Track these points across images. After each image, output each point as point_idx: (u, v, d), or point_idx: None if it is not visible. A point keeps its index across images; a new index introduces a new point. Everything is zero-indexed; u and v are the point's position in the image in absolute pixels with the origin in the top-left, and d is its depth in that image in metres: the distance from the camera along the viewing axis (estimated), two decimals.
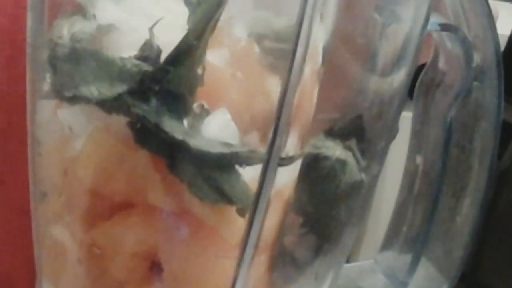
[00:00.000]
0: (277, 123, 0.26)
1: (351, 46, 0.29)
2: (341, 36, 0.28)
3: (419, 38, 0.31)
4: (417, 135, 0.38)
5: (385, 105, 0.30)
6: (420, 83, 0.38)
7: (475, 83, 0.36)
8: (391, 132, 0.30)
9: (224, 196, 0.26)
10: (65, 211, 0.27)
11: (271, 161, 0.26)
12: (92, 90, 0.25)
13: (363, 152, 0.29)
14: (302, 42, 0.25)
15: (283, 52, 0.27)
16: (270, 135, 0.26)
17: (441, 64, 0.37)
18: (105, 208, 0.27)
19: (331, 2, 0.27)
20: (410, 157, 0.38)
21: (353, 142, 0.29)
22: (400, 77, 0.30)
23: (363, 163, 0.29)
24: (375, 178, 0.30)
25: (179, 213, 0.26)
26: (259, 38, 0.28)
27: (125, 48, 0.27)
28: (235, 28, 0.28)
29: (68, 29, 0.27)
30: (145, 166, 0.26)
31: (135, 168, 0.26)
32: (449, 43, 0.36)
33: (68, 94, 0.26)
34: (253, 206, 0.26)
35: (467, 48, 0.35)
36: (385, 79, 0.30)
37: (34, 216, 0.29)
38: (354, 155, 0.29)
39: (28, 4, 0.28)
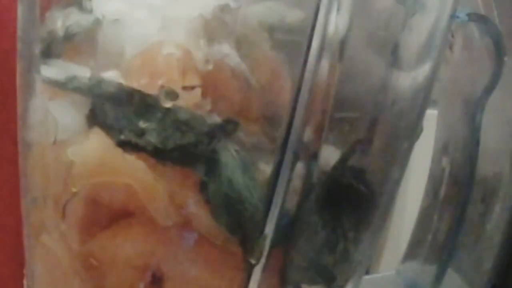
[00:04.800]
0: (290, 120, 0.25)
1: (371, 38, 0.29)
2: (360, 28, 0.28)
3: (446, 29, 0.30)
4: (443, 135, 0.37)
5: (408, 102, 0.29)
6: (451, 74, 0.37)
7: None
8: (415, 132, 0.30)
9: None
10: (60, 219, 0.27)
11: (286, 159, 0.25)
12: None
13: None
14: (317, 35, 0.25)
15: (296, 45, 0.27)
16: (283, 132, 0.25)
17: (470, 56, 0.36)
18: (103, 217, 0.26)
19: None
20: (436, 159, 0.37)
21: None
22: (425, 71, 0.29)
23: None
24: (397, 183, 0.29)
25: (182, 225, 0.26)
26: (270, 29, 0.28)
27: (127, 41, 0.27)
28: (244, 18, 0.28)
29: (62, 22, 0.27)
30: (146, 173, 0.25)
31: (136, 176, 0.25)
32: (478, 34, 0.35)
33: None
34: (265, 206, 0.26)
35: (498, 39, 0.35)
36: (409, 73, 0.29)
37: (26, 224, 0.28)
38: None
39: None
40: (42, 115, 0.27)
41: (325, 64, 0.25)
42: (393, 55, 0.29)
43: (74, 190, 0.26)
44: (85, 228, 0.26)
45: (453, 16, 0.31)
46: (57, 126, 0.27)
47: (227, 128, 0.26)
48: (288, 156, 0.26)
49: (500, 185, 0.36)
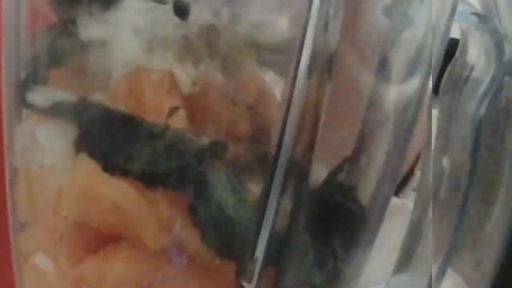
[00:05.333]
0: (280, 140, 0.25)
1: (360, 53, 0.28)
2: (349, 43, 0.27)
3: (446, 28, 0.30)
4: (443, 135, 0.37)
5: (398, 117, 0.29)
6: (446, 78, 0.36)
7: (507, 78, 0.35)
8: (406, 146, 0.29)
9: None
10: (49, 243, 0.27)
11: (275, 179, 0.25)
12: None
13: None
14: (306, 53, 0.25)
15: (284, 63, 0.27)
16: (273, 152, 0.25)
17: (470, 57, 0.35)
18: (92, 241, 0.27)
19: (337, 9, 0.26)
20: (436, 159, 0.37)
21: None
22: (414, 85, 0.29)
23: None
24: (387, 198, 0.29)
25: (172, 248, 0.26)
26: (257, 48, 0.27)
27: (113, 64, 0.27)
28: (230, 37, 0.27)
29: (48, 47, 0.27)
30: (135, 198, 0.26)
31: (125, 200, 0.26)
32: (478, 34, 0.34)
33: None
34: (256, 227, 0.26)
35: (498, 40, 0.34)
36: (398, 87, 0.29)
37: (14, 248, 0.29)
38: None
39: (2, 16, 0.27)
40: (29, 140, 0.27)
41: (314, 82, 0.25)
42: (382, 69, 0.29)
43: (64, 214, 0.27)
44: (75, 252, 0.27)
45: (453, 15, 0.30)
46: (44, 151, 0.27)
47: (216, 151, 0.26)
48: (278, 176, 0.26)
49: (500, 185, 0.36)
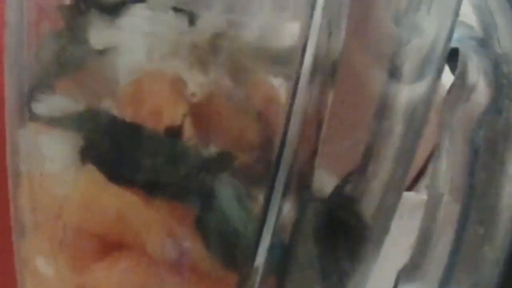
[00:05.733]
0: (281, 148, 0.25)
1: (368, 57, 0.29)
2: (355, 49, 0.28)
3: (444, 51, 0.31)
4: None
5: (405, 123, 0.29)
6: (445, 100, 0.37)
7: (506, 100, 0.35)
8: (412, 156, 0.30)
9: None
10: (51, 250, 0.27)
11: (276, 188, 0.25)
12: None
13: None
14: (308, 59, 0.25)
15: (292, 69, 0.27)
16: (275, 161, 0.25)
17: (468, 80, 0.36)
18: (95, 249, 0.26)
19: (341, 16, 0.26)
20: (434, 181, 0.37)
21: None
22: (421, 90, 0.29)
23: None
24: (392, 209, 0.29)
25: (177, 258, 0.26)
26: (266, 54, 0.28)
27: (121, 70, 0.27)
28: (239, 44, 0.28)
29: (55, 55, 0.27)
30: (140, 208, 0.25)
31: (131, 210, 0.26)
32: (476, 57, 0.35)
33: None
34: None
35: (497, 63, 0.35)
36: (406, 90, 0.29)
37: (17, 254, 0.28)
38: None
39: (5, 20, 0.27)
40: (32, 147, 0.27)
41: (316, 89, 0.25)
42: (393, 73, 0.29)
43: (66, 222, 0.26)
44: (78, 260, 0.26)
45: (450, 38, 0.31)
46: (48, 159, 0.27)
47: (223, 161, 0.26)
48: (279, 184, 0.25)
49: (500, 207, 0.36)
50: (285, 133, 0.25)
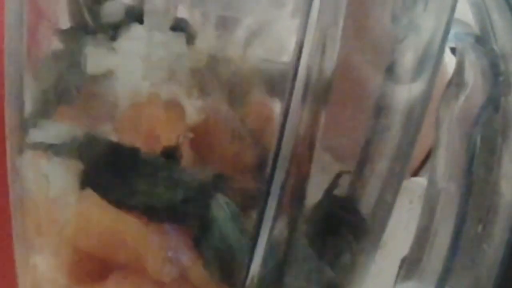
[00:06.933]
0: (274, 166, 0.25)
1: (366, 57, 0.29)
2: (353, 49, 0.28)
3: (440, 48, 0.31)
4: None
5: (402, 122, 0.29)
6: (442, 97, 0.37)
7: (502, 98, 0.35)
8: (410, 154, 0.30)
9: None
10: (56, 271, 0.27)
11: (268, 206, 0.25)
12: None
13: None
14: (300, 80, 0.25)
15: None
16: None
17: (465, 77, 0.36)
18: (97, 270, 0.27)
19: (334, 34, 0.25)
20: (432, 179, 0.37)
21: None
22: (418, 89, 0.29)
23: None
24: (389, 207, 0.29)
25: (176, 279, 0.26)
26: (263, 76, 0.28)
27: (120, 94, 0.27)
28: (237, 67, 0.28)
29: (54, 81, 0.27)
30: (140, 231, 0.26)
31: (131, 233, 0.26)
32: (473, 54, 0.35)
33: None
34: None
35: (494, 60, 0.35)
36: (403, 89, 0.29)
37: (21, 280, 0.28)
38: None
39: (4, 45, 0.27)
40: (32, 172, 0.27)
41: (309, 108, 0.25)
42: (391, 72, 0.29)
43: (68, 244, 0.27)
44: (80, 281, 0.27)
45: (447, 35, 0.31)
46: (48, 184, 0.27)
47: (219, 183, 0.26)
48: (272, 202, 0.25)
49: (498, 205, 0.36)
50: (277, 152, 0.25)
